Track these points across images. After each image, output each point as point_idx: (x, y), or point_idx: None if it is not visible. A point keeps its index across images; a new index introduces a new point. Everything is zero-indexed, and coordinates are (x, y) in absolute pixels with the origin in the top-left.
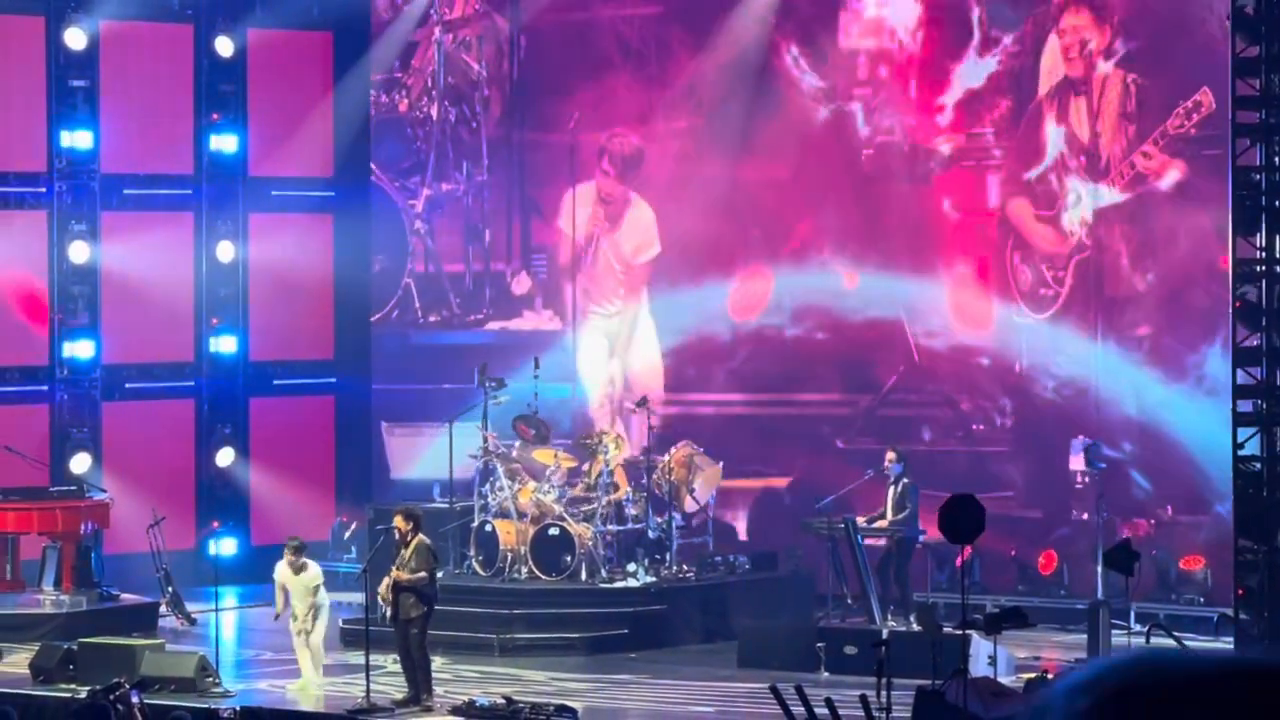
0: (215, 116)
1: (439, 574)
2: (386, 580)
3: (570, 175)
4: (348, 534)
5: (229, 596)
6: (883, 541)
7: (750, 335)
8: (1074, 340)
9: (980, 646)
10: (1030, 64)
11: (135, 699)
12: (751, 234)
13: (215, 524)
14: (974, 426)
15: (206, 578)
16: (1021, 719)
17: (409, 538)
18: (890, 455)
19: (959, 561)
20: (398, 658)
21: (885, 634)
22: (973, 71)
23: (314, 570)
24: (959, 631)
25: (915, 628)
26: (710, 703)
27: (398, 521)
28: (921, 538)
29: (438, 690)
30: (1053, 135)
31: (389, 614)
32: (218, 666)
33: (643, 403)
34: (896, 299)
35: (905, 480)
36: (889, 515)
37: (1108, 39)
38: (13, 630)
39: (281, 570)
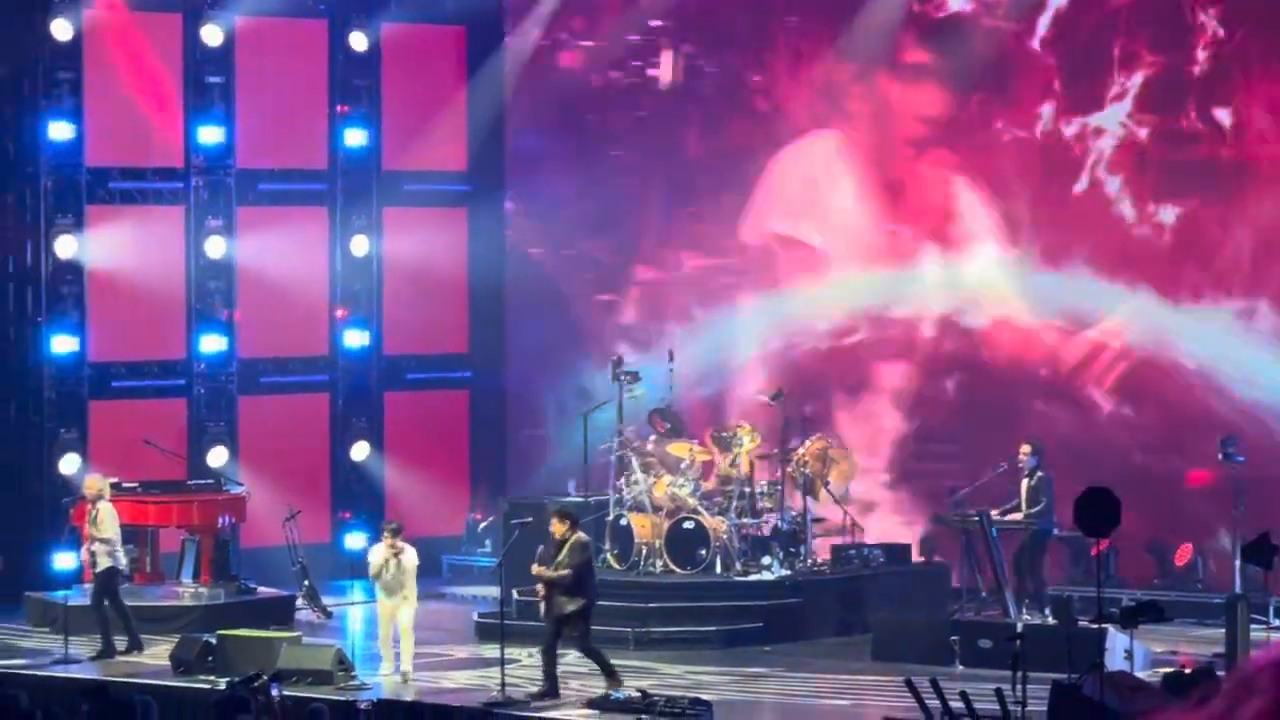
0: (344, 109)
1: (594, 566)
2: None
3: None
4: (482, 527)
5: (363, 591)
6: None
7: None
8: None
9: (1116, 641)
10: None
11: (275, 692)
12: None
13: (346, 515)
14: None
15: (342, 571)
16: (1224, 692)
17: (567, 536)
18: (1025, 448)
19: (1094, 554)
20: (540, 650)
21: (1020, 628)
22: (1142, 67)
23: (411, 553)
24: (1095, 625)
25: (1051, 621)
26: (844, 695)
27: (554, 524)
28: (1056, 531)
29: (572, 684)
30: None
31: (543, 609)
32: (354, 659)
33: (778, 396)
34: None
35: (1040, 473)
36: (1024, 508)
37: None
38: (152, 622)
39: (379, 553)
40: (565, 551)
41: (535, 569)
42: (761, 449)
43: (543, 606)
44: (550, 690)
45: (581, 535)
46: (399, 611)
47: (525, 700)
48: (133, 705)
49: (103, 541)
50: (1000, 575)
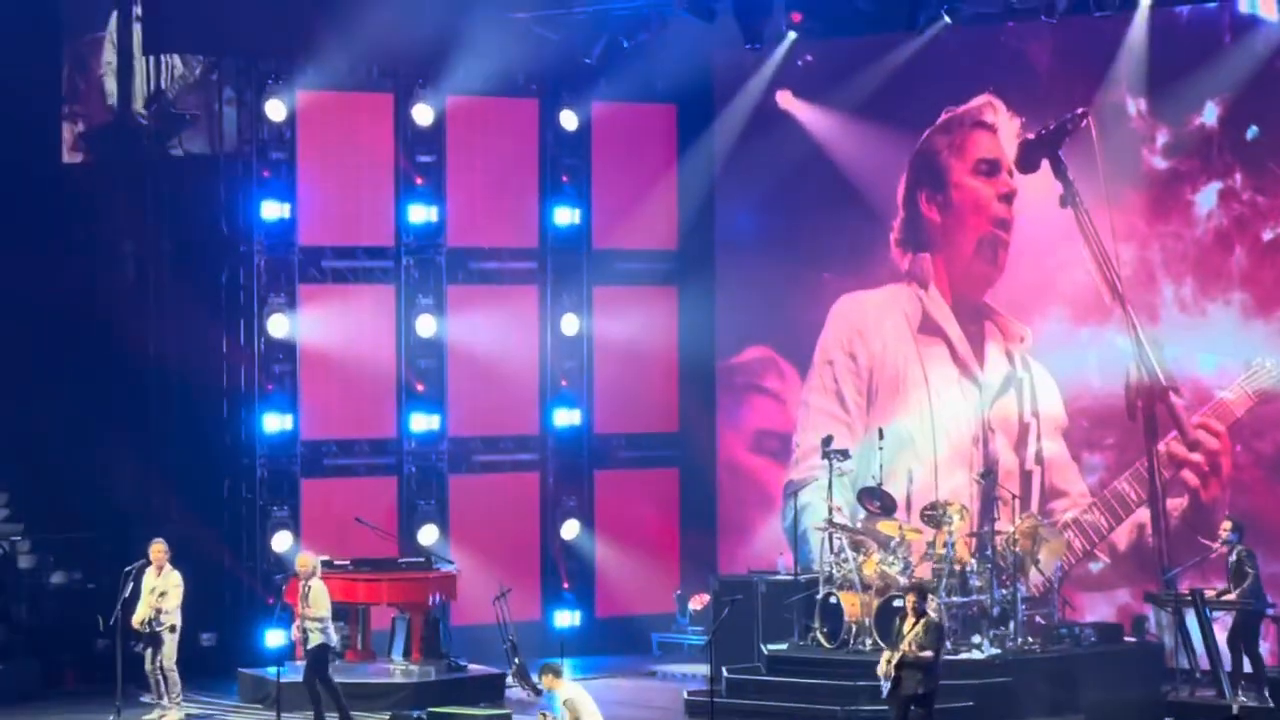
0: (566, 178)
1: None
2: (888, 654)
3: None
4: (695, 610)
5: (573, 668)
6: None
7: None
8: None
9: None
10: None
11: None
12: None
13: (565, 584)
14: None
15: (552, 649)
16: None
17: (917, 612)
18: (1226, 525)
19: None
20: None
21: (1236, 709)
22: None
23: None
24: None
25: (1270, 703)
26: None
27: (908, 599)
28: (1271, 611)
29: None
30: None
31: (888, 689)
32: None
33: (987, 474)
34: None
35: (1240, 547)
36: (1232, 586)
37: None
38: (364, 699)
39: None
40: (923, 630)
41: (888, 660)
42: (971, 527)
43: (887, 686)
44: None
45: (934, 614)
46: None
47: None
48: None
49: (315, 619)
50: (1215, 655)
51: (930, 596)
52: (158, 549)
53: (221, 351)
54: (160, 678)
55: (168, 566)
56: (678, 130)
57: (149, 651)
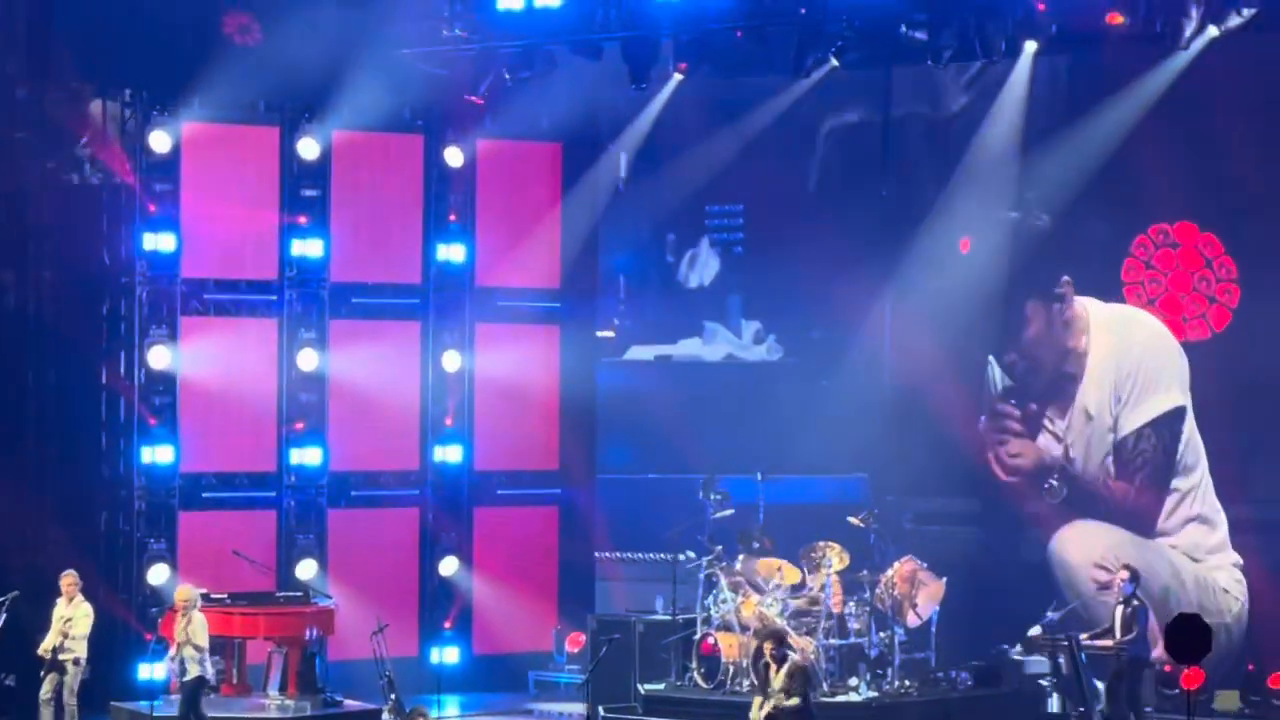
0: (452, 216)
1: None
2: (758, 700)
3: None
4: (569, 649)
5: (451, 705)
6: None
7: None
8: None
9: None
10: None
11: None
12: None
13: (448, 624)
14: None
15: (429, 686)
16: None
17: (777, 659)
18: (1124, 573)
19: (1185, 681)
20: None
21: None
22: None
23: None
24: None
25: None
26: None
27: (766, 646)
28: (1151, 657)
29: None
30: None
31: None
32: None
33: (868, 516)
34: None
35: (1136, 602)
36: (1117, 635)
37: None
38: None
39: None
40: (787, 676)
41: (759, 706)
42: (850, 569)
43: None
44: None
45: (797, 658)
46: None
47: None
48: None
49: (195, 649)
50: (1089, 699)
51: (784, 638)
52: (69, 580)
53: (101, 383)
54: (54, 708)
55: (79, 597)
56: (563, 168)
57: (48, 679)
